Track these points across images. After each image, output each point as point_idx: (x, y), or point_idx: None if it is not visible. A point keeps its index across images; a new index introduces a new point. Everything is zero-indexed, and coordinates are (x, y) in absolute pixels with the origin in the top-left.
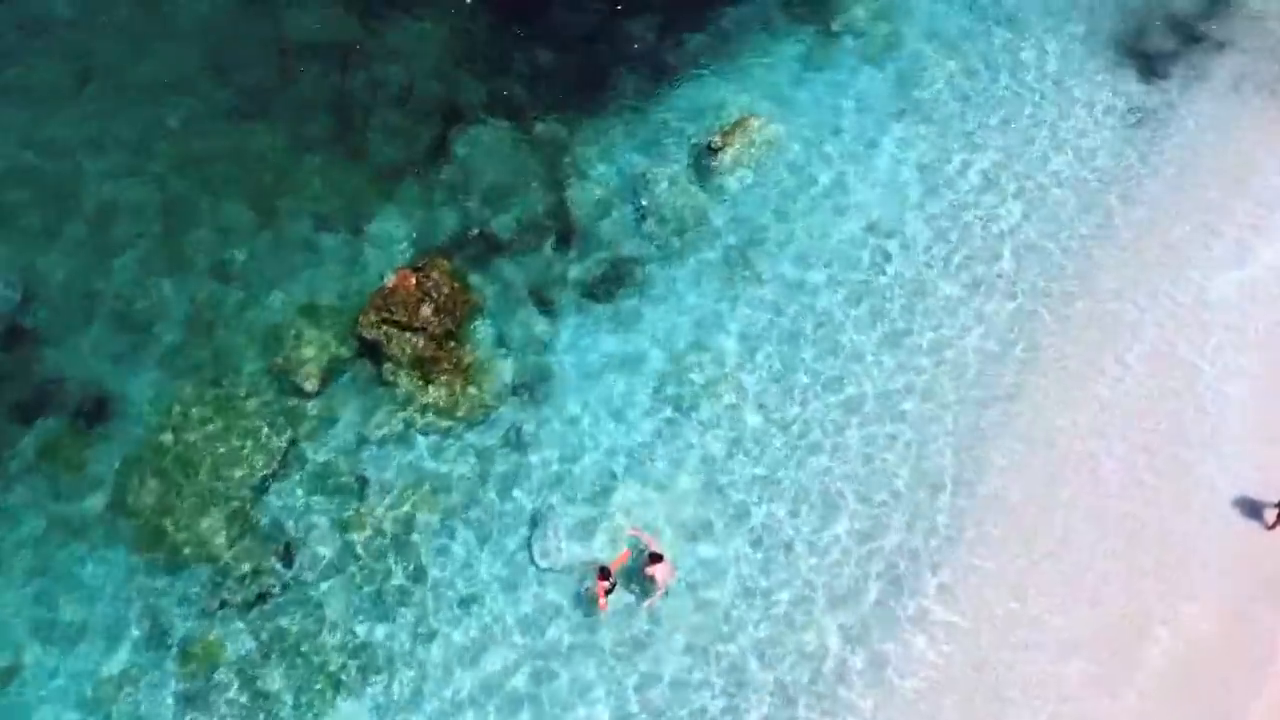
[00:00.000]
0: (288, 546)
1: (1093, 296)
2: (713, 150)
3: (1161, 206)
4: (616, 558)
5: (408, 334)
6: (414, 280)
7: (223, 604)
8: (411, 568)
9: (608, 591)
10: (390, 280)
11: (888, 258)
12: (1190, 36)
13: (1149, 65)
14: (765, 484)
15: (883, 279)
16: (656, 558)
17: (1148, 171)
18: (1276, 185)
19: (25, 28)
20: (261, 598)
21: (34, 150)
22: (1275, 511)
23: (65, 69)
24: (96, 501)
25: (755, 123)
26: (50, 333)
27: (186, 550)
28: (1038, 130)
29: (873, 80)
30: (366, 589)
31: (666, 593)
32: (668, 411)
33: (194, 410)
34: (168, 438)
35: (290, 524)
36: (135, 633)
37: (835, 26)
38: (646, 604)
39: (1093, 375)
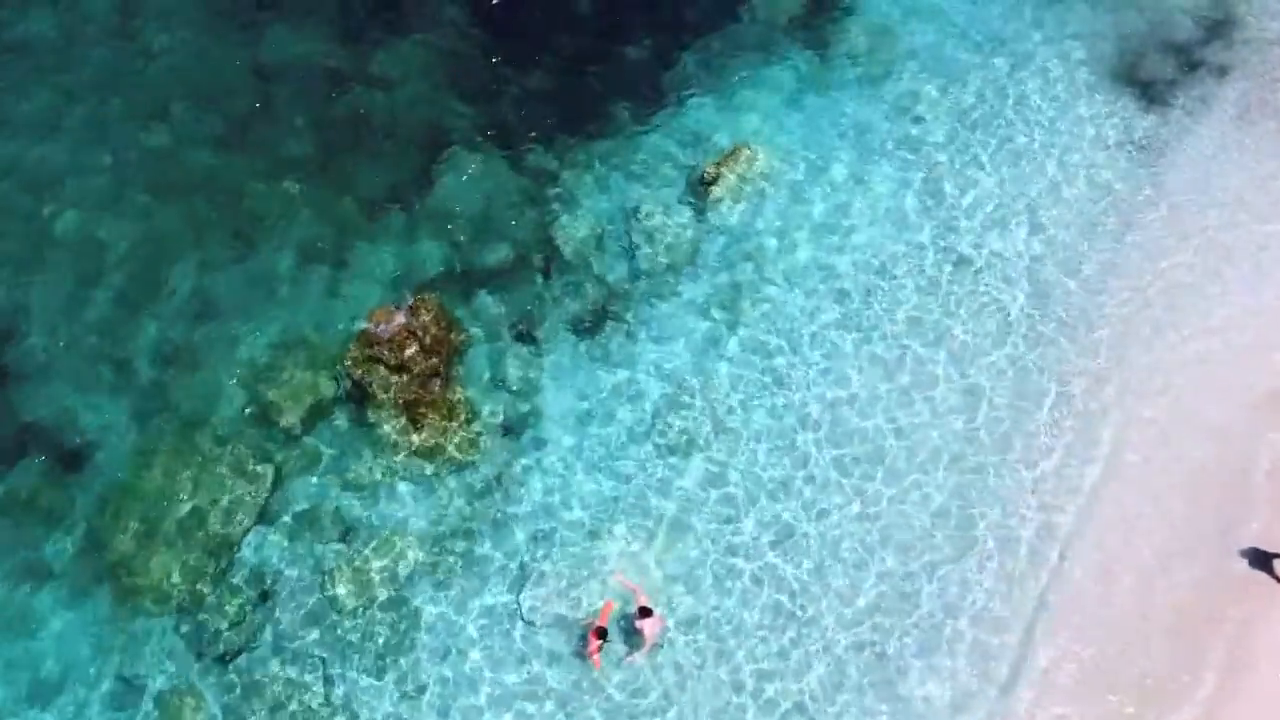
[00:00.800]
0: (268, 596)
1: (1098, 329)
2: (705, 182)
3: (1164, 235)
4: (602, 608)
5: (392, 374)
6: (399, 317)
7: (200, 655)
8: (396, 619)
9: (600, 648)
10: (374, 318)
11: (884, 294)
12: (1191, 62)
13: (1149, 92)
14: (764, 530)
15: (879, 314)
16: (646, 611)
17: (1149, 201)
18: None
19: (2, 56)
20: (241, 650)
21: (10, 180)
22: None
23: (43, 97)
24: (69, 548)
25: (748, 152)
26: (24, 370)
27: (163, 599)
28: (1038, 160)
29: (870, 107)
30: (349, 640)
31: (658, 646)
32: (658, 454)
33: (172, 452)
34: (144, 481)
35: (271, 572)
36: (107, 686)
37: (832, 51)
38: (629, 659)
39: (1100, 416)
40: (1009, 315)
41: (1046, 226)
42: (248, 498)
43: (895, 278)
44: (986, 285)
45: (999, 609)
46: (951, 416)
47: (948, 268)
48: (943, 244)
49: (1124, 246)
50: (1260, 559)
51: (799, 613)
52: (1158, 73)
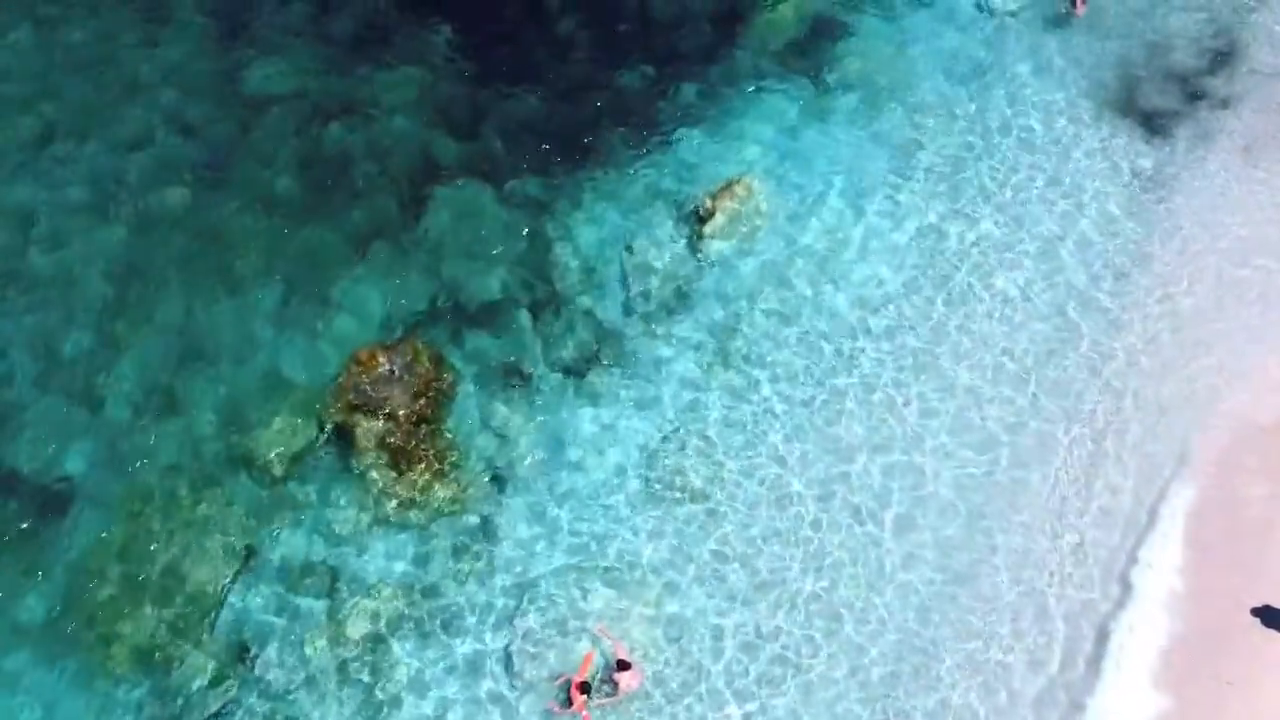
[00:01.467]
0: (249, 652)
1: (1106, 374)
2: (700, 217)
3: (1170, 274)
4: (583, 660)
5: (377, 419)
6: (384, 360)
7: (178, 717)
8: (378, 673)
9: (585, 704)
10: (359, 360)
11: (883, 334)
12: (1193, 94)
13: (1152, 124)
14: (753, 585)
15: (877, 356)
16: (624, 664)
17: (1153, 238)
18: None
19: None
20: (221, 711)
21: None
22: None
23: (24, 125)
24: (42, 604)
25: (744, 186)
26: (3, 415)
27: (139, 659)
28: (1040, 195)
29: (868, 139)
30: (335, 700)
31: (630, 698)
32: (649, 502)
33: (151, 501)
34: (122, 533)
35: (253, 628)
36: None
37: (830, 80)
38: (599, 702)
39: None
40: (1013, 355)
41: (1049, 264)
42: (229, 549)
43: (894, 317)
44: (988, 325)
45: None
46: (958, 460)
47: (948, 307)
48: (943, 282)
49: (1131, 283)
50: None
51: (790, 675)
52: (1161, 104)
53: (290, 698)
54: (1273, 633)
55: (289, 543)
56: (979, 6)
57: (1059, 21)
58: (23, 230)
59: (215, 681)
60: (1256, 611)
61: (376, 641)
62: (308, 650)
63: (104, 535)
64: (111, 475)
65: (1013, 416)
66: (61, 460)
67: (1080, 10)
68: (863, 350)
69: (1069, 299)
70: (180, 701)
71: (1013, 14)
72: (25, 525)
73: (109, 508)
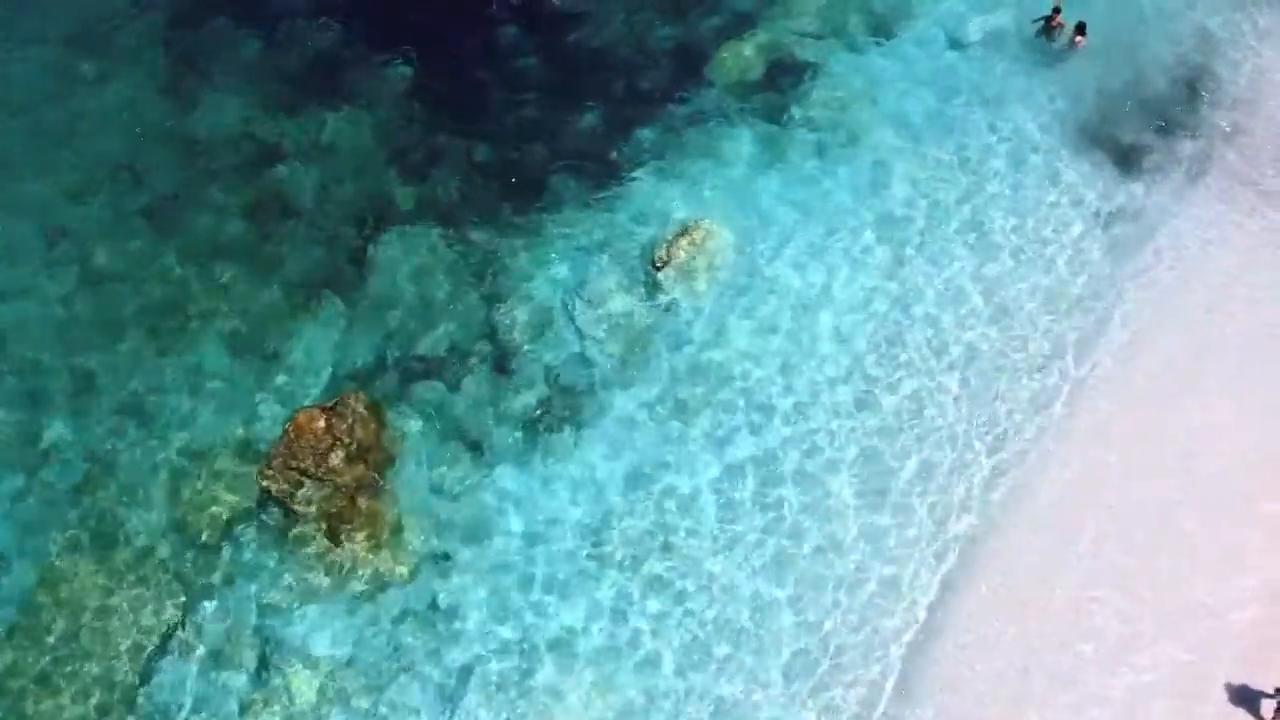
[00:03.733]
0: None
1: (1075, 421)
2: (656, 265)
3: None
4: None
5: (316, 485)
6: (323, 422)
7: None
8: None
9: None
10: (297, 423)
11: (843, 384)
12: (1170, 127)
13: (1126, 160)
14: (712, 659)
15: (837, 408)
16: None
17: (1126, 280)
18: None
19: None
20: None
21: None
22: (1275, 704)
23: None
24: None
25: (701, 232)
26: None
27: None
28: (1007, 238)
29: (830, 181)
30: None
31: None
32: (604, 572)
33: (80, 570)
34: (48, 601)
35: (183, 705)
36: None
37: (791, 120)
38: None
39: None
40: (975, 406)
41: (1017, 308)
42: (161, 621)
43: (856, 368)
44: (953, 375)
45: None
46: (903, 512)
47: (915, 353)
48: (908, 328)
49: (1102, 324)
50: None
51: None
52: (1133, 139)
53: None
54: None
55: (221, 614)
56: (948, 40)
57: (1028, 54)
58: None
59: None
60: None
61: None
62: None
63: (34, 608)
64: (44, 544)
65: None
66: None
67: (1080, 44)
68: (818, 401)
69: (1033, 343)
70: None
71: (980, 46)
72: None
73: (41, 579)
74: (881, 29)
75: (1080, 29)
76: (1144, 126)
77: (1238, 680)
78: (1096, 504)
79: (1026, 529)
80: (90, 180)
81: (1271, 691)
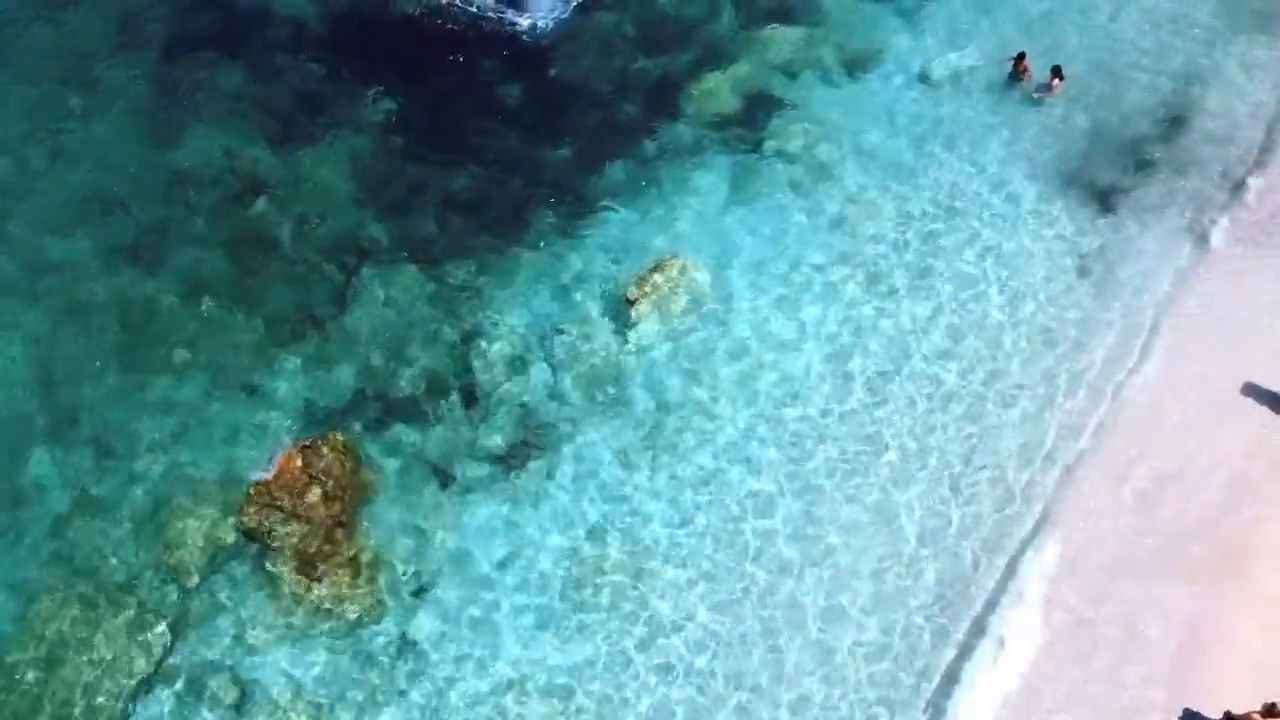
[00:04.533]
0: None
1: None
2: (629, 300)
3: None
4: None
5: (293, 523)
6: (300, 462)
7: None
8: None
9: None
10: (274, 463)
11: (816, 424)
12: (1143, 162)
13: (1100, 200)
14: (680, 702)
15: (810, 448)
16: None
17: (1099, 318)
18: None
19: None
20: None
21: None
22: None
23: None
24: None
25: (674, 268)
26: None
27: None
28: (983, 275)
29: (804, 216)
30: None
31: None
32: (577, 612)
33: (60, 609)
34: (28, 642)
35: None
36: None
37: (766, 153)
38: None
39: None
40: (946, 457)
41: (991, 350)
42: (138, 659)
43: (823, 405)
44: (927, 421)
45: None
46: (874, 553)
47: (884, 399)
48: (877, 371)
49: (1076, 365)
50: None
51: None
52: (1110, 178)
53: None
54: None
55: (199, 652)
56: (920, 76)
57: (1005, 92)
58: None
59: None
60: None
61: None
62: None
63: (9, 644)
64: (21, 579)
65: (929, 512)
66: None
67: (1057, 89)
68: (795, 440)
69: (1003, 382)
70: None
71: (953, 83)
72: None
73: (16, 617)
74: (856, 64)
75: (1056, 72)
76: (1123, 166)
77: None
78: None
79: None
80: (72, 215)
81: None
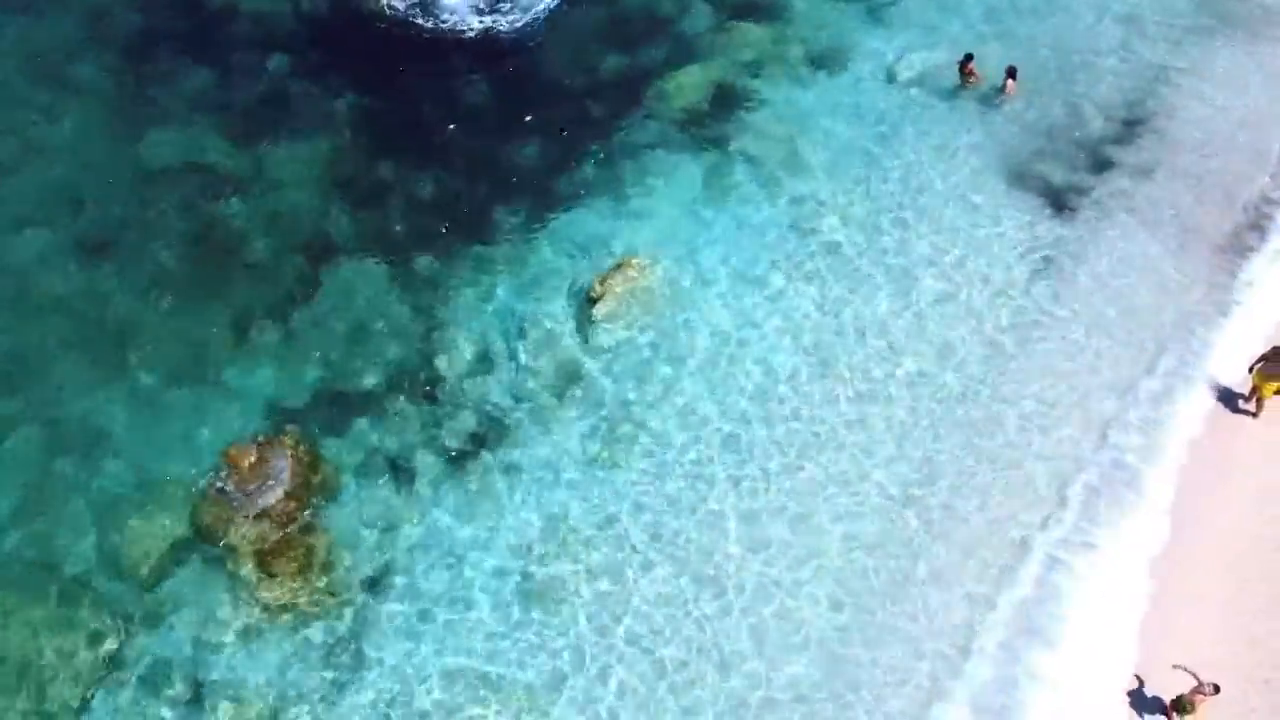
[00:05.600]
0: None
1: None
2: (591, 298)
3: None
4: None
5: (249, 519)
6: (256, 457)
7: None
8: None
9: None
10: (230, 458)
11: (772, 429)
12: (1103, 163)
13: (1060, 197)
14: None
15: (764, 452)
16: None
17: (1055, 322)
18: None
19: None
20: None
21: None
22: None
23: None
24: None
25: (636, 266)
26: None
27: None
28: (944, 275)
29: (769, 213)
30: None
31: None
32: (531, 606)
33: (13, 601)
34: None
35: None
36: None
37: (731, 151)
38: None
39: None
40: (904, 451)
41: (949, 350)
42: (92, 656)
43: (786, 412)
44: (883, 420)
45: None
46: (833, 566)
47: (843, 398)
48: (838, 371)
49: (1027, 367)
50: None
51: None
52: (1069, 177)
53: None
54: None
55: (154, 649)
56: (886, 76)
57: (963, 93)
58: None
59: None
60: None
61: None
62: None
63: None
64: None
65: (885, 499)
66: None
67: (1011, 90)
68: (751, 444)
69: (964, 381)
70: None
71: (919, 83)
72: None
73: None
74: (823, 62)
75: (1011, 73)
76: (1076, 165)
77: None
78: None
79: None
80: (37, 209)
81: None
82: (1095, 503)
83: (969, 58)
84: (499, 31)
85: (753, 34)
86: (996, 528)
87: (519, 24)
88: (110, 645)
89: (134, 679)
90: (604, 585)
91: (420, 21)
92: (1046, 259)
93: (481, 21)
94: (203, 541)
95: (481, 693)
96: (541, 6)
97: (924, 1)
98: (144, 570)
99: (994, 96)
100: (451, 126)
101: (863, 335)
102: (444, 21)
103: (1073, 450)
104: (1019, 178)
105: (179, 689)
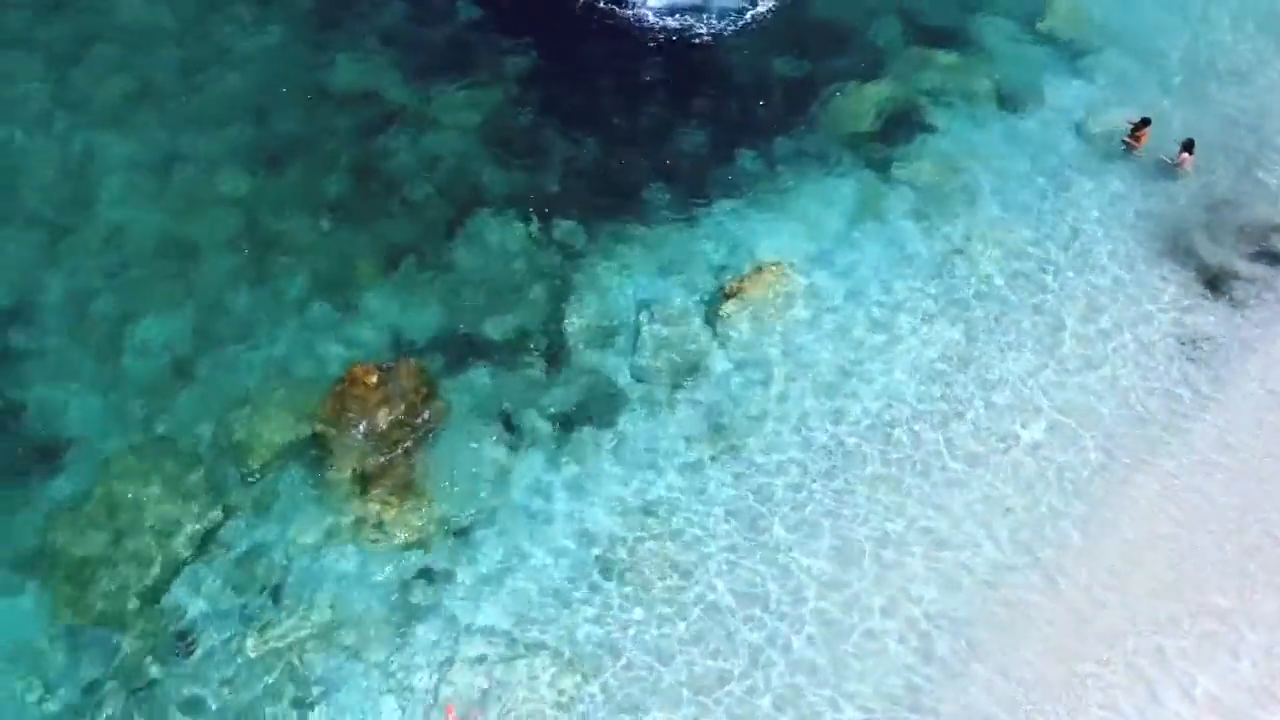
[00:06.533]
0: (187, 636)
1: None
2: (726, 294)
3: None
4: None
5: (359, 436)
6: (375, 378)
7: (104, 681)
8: (297, 687)
9: None
10: (354, 373)
11: (881, 458)
12: (1266, 252)
13: (1216, 281)
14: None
15: (867, 480)
16: None
17: (1202, 409)
18: None
19: (79, 45)
20: (149, 684)
21: (60, 168)
22: None
23: (114, 84)
24: (16, 538)
25: (777, 272)
26: (28, 352)
27: (88, 613)
28: (1084, 341)
29: (918, 246)
30: (245, 702)
31: None
32: (604, 579)
33: (136, 468)
34: (102, 492)
35: (196, 611)
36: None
37: (893, 176)
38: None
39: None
40: (1015, 517)
41: (1077, 418)
42: (193, 531)
43: (897, 443)
44: (996, 478)
45: None
46: (929, 609)
47: (956, 449)
48: (957, 419)
49: (1168, 453)
50: None
51: None
52: (1229, 263)
53: (211, 689)
54: None
55: (249, 536)
56: (1073, 128)
57: (1140, 157)
58: (86, 180)
59: (150, 656)
60: None
61: (303, 661)
62: (238, 648)
63: (86, 489)
64: (107, 433)
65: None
66: (66, 409)
67: (1187, 164)
68: (858, 467)
69: (1085, 462)
70: (114, 664)
71: (1101, 139)
72: (18, 462)
73: (99, 467)
74: (1008, 102)
75: (1188, 146)
76: (1246, 252)
77: None
78: None
79: None
80: (222, 113)
81: None
82: None
83: (1145, 122)
84: (695, 32)
85: (941, 60)
86: None
87: (716, 28)
88: (210, 526)
89: (225, 561)
90: (674, 581)
91: (617, 9)
92: (1204, 342)
93: (678, 20)
94: (312, 447)
95: (534, 655)
96: (748, 15)
97: (1126, 53)
98: (256, 464)
99: (1169, 166)
100: (620, 103)
101: (995, 388)
102: (640, 14)
103: None
104: (1186, 254)
105: (260, 580)
